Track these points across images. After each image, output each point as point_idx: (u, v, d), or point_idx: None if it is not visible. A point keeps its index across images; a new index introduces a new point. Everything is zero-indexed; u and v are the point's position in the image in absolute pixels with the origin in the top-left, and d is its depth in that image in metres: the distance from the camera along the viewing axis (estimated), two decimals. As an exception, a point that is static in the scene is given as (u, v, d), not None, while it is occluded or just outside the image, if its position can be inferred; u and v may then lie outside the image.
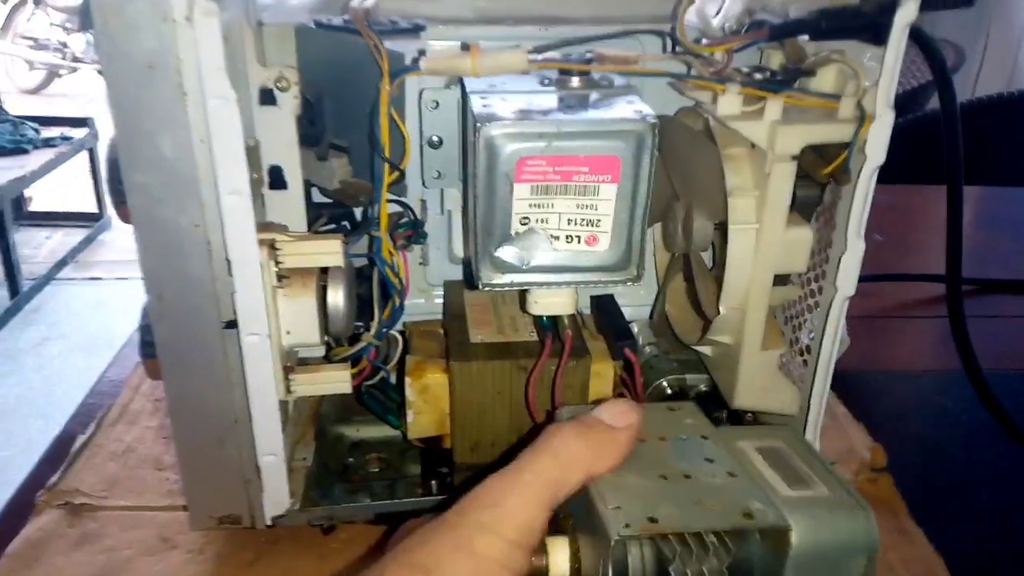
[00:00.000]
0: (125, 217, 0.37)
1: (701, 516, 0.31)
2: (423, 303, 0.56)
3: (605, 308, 0.51)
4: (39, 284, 2.59)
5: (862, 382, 0.62)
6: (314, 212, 0.48)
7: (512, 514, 0.30)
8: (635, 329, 0.56)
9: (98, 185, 2.85)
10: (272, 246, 0.40)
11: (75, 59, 4.14)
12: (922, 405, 0.62)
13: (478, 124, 0.37)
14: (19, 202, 2.73)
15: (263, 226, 0.41)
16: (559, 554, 0.32)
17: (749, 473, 0.33)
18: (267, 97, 0.43)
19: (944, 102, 0.54)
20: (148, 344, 0.40)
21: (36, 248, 2.81)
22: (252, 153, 0.43)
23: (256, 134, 0.44)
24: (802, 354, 0.46)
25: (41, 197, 2.95)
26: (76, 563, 0.44)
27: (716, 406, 0.50)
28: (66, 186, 2.94)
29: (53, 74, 4.19)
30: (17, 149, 2.53)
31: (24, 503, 0.48)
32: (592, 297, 0.53)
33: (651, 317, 0.55)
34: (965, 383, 0.58)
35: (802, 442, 0.35)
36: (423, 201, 0.52)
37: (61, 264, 2.74)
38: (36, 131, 2.65)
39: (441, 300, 0.55)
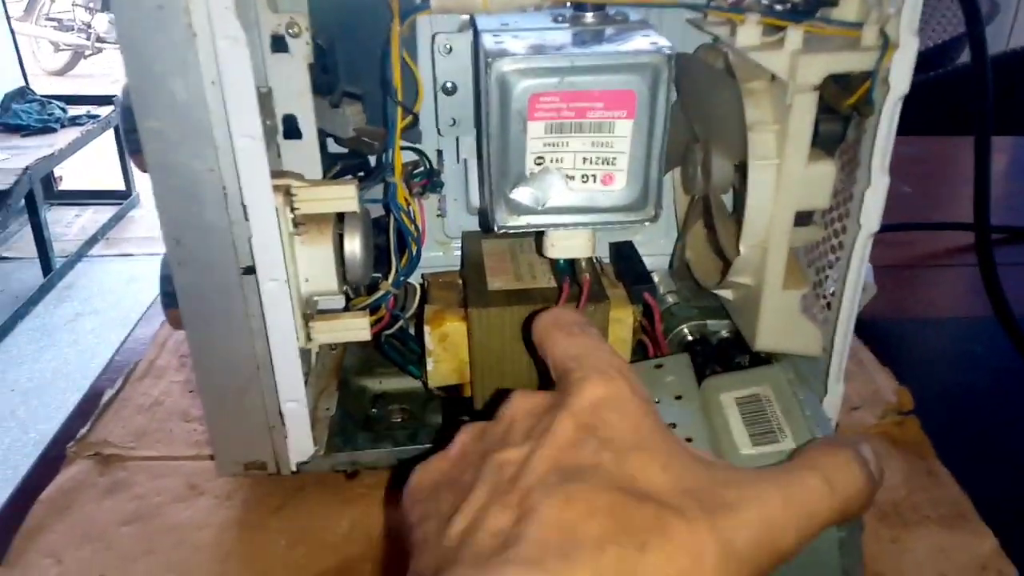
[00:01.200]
0: (141, 165, 0.37)
1: None
2: (442, 255, 0.56)
3: (624, 254, 0.50)
4: (71, 261, 2.65)
5: (889, 329, 0.61)
6: (329, 161, 0.48)
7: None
8: (656, 278, 0.55)
9: (125, 162, 2.89)
10: (287, 192, 0.40)
11: (99, 39, 4.18)
12: (951, 351, 0.61)
13: (489, 60, 0.37)
14: (49, 181, 2.78)
15: (278, 173, 0.41)
16: None
17: (711, 435, 0.32)
18: (279, 44, 0.43)
19: (974, 45, 0.53)
20: (169, 294, 0.41)
21: (67, 226, 2.86)
22: (264, 100, 0.43)
23: (268, 82, 0.44)
24: (826, 297, 0.46)
25: (70, 176, 3.00)
26: (106, 510, 0.45)
27: (739, 351, 0.50)
28: (94, 164, 2.99)
29: (79, 55, 4.24)
30: (45, 128, 2.57)
31: (56, 455, 0.49)
32: (611, 244, 0.52)
33: (671, 265, 0.55)
34: (995, 329, 0.56)
35: (790, 384, 0.34)
36: (439, 151, 0.52)
37: (92, 241, 2.79)
38: (63, 110, 2.69)
39: (459, 253, 0.55)
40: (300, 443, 0.45)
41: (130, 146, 0.38)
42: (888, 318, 0.62)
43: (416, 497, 0.30)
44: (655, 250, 0.56)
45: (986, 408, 0.54)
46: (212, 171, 0.37)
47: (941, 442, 0.49)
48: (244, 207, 0.38)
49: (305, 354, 0.51)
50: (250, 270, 0.39)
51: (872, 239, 0.41)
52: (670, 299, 0.54)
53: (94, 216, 2.93)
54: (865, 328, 0.60)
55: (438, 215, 0.55)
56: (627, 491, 0.25)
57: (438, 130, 0.48)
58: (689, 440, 0.32)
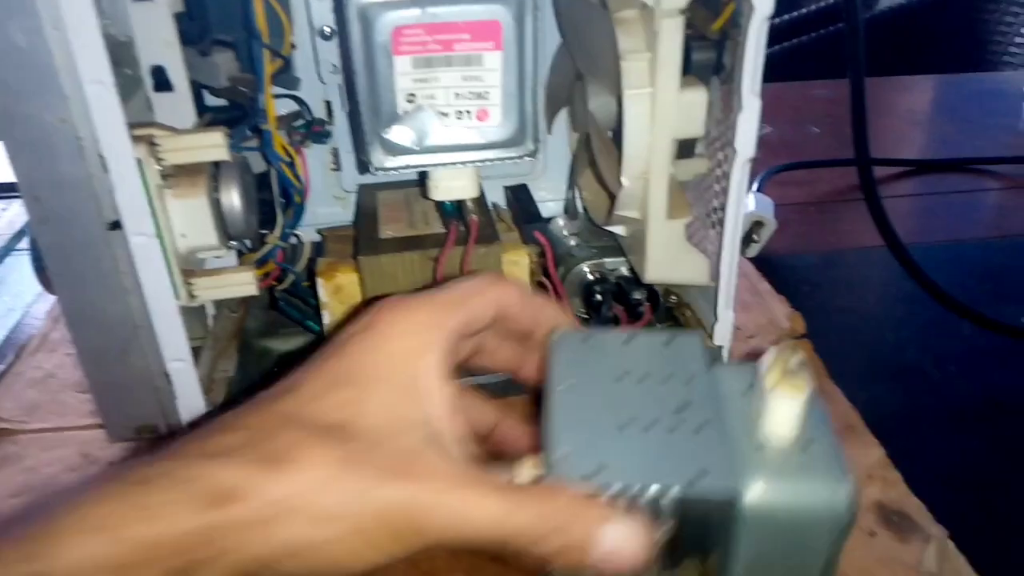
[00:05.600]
0: None
1: (645, 472, 0.29)
2: (340, 211, 0.55)
3: (518, 197, 0.50)
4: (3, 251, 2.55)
5: (789, 263, 0.62)
6: (210, 116, 0.46)
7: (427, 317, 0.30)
8: (561, 222, 0.55)
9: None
10: (151, 142, 0.39)
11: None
12: (846, 280, 0.63)
13: (347, -7, 0.36)
14: (-31, 174, 2.66)
15: (142, 124, 0.40)
16: (526, 469, 0.30)
17: (723, 424, 0.31)
18: (140, -9, 0.41)
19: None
20: (39, 258, 0.39)
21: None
22: (124, 49, 0.41)
23: (132, 31, 0.42)
24: (715, 227, 0.46)
25: (-7, 168, 2.88)
26: (-5, 484, 0.44)
27: (637, 288, 0.50)
28: (17, 155, 2.87)
29: None
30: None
31: (-56, 435, 0.48)
32: (506, 188, 0.52)
33: (565, 208, 0.54)
34: (890, 258, 0.58)
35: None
36: (327, 102, 0.51)
37: (20, 235, 2.69)
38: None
39: (358, 206, 0.54)
40: (191, 403, 0.44)
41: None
42: (791, 252, 0.63)
43: None
44: (559, 195, 0.56)
45: (876, 330, 0.56)
46: (64, 122, 0.36)
47: (835, 362, 0.50)
48: (102, 158, 0.37)
49: (198, 313, 0.50)
50: (116, 225, 0.38)
51: (750, 164, 0.42)
52: (572, 242, 0.54)
53: (21, 209, 2.83)
54: (764, 262, 0.61)
55: (333, 169, 0.54)
56: (295, 417, 0.27)
57: (319, 77, 0.47)
58: (700, 429, 0.31)
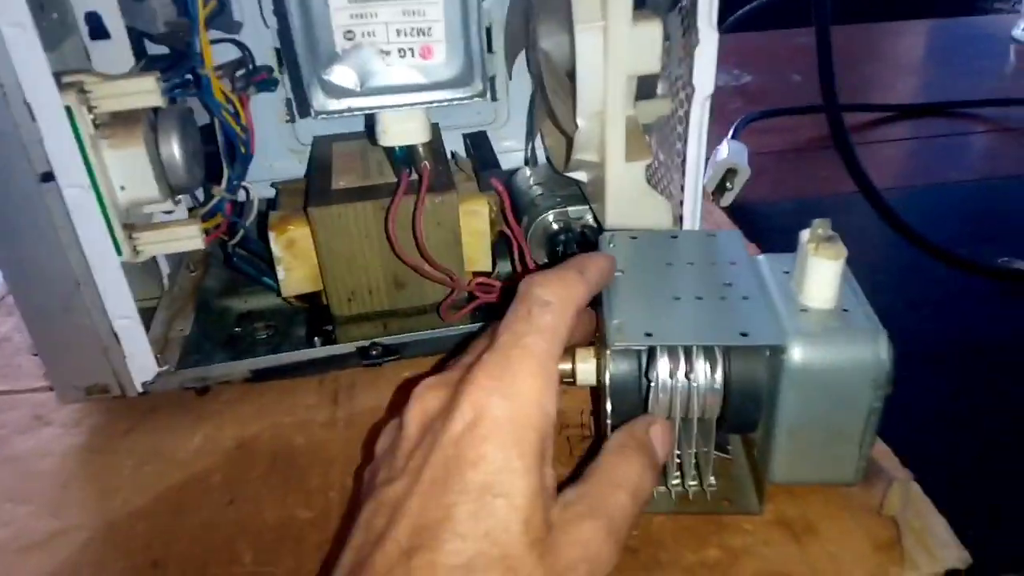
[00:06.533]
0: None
1: (696, 333, 0.33)
2: (296, 164, 0.54)
3: (477, 144, 0.49)
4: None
5: (764, 211, 0.61)
6: (150, 64, 0.45)
7: (525, 388, 0.28)
8: (527, 173, 0.54)
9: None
10: (81, 89, 0.37)
11: None
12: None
13: (273, -77, 0.34)
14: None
15: (72, 72, 0.38)
16: (585, 363, 0.35)
17: (768, 297, 0.35)
18: (65, -69, 0.39)
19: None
20: (-25, 213, 0.38)
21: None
22: (50, -9, 0.39)
23: (60, -25, 0.40)
24: (680, 170, 0.44)
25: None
26: (-56, 449, 0.43)
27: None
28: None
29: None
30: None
31: None
32: (464, 136, 0.50)
33: (525, 159, 0.53)
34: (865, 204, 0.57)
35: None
36: (277, 49, 0.49)
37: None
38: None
39: (314, 159, 0.52)
40: (142, 362, 0.43)
41: None
42: (766, 200, 0.62)
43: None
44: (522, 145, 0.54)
45: (857, 272, 0.54)
46: (-18, 67, 0.34)
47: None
48: (28, 106, 0.35)
49: (151, 271, 0.49)
50: (48, 176, 0.37)
51: (710, 101, 0.40)
52: (536, 191, 0.53)
53: None
54: (741, 210, 0.60)
55: (287, 121, 0.52)
56: (473, 564, 0.25)
57: (263, 21, 0.45)
58: (745, 298, 0.35)
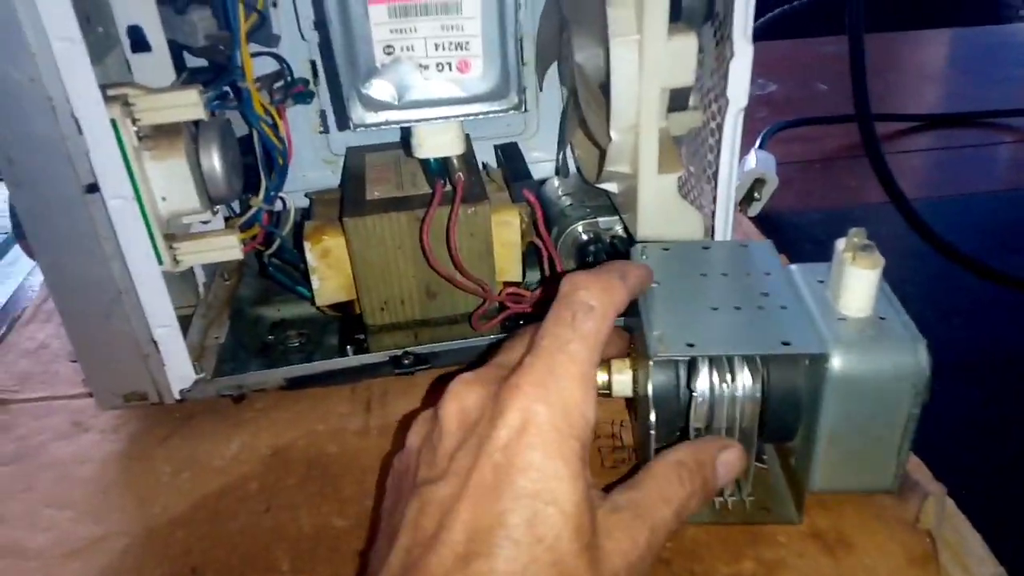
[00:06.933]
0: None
1: (736, 343, 0.33)
2: (330, 175, 0.55)
3: (508, 155, 0.49)
4: (10, 239, 2.57)
5: (792, 221, 0.61)
6: (187, 75, 0.45)
7: (568, 396, 0.28)
8: (556, 183, 0.54)
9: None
10: (125, 102, 0.38)
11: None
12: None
13: (317, -60, 0.34)
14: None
15: (117, 84, 0.39)
16: (621, 374, 0.35)
17: (805, 306, 0.35)
18: (112, -52, 0.40)
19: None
20: (18, 224, 0.39)
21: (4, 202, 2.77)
22: (97, 7, 0.40)
23: (105, -11, 0.41)
24: (710, 182, 0.45)
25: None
26: (-13, 453, 0.44)
27: (632, 247, 0.49)
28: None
29: None
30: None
31: (-61, 406, 0.48)
32: (496, 147, 0.51)
33: (556, 169, 0.53)
34: (897, 214, 0.56)
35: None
36: (312, 62, 0.50)
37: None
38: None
39: (348, 169, 0.53)
40: (180, 370, 0.43)
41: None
42: (794, 210, 0.62)
43: (388, 483, 0.33)
44: (553, 155, 0.55)
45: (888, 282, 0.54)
46: (33, 81, 0.35)
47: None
48: (75, 119, 0.36)
49: (188, 280, 0.50)
50: (93, 188, 0.37)
51: (743, 114, 0.40)
52: (566, 201, 0.53)
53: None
54: (769, 220, 0.60)
55: (320, 132, 0.53)
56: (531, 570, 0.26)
57: (301, 34, 0.46)
58: (784, 308, 0.35)
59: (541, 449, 0.27)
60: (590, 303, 0.30)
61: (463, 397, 0.30)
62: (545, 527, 0.26)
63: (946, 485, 0.38)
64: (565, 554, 0.26)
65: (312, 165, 0.54)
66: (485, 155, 0.53)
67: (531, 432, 0.27)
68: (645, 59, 0.39)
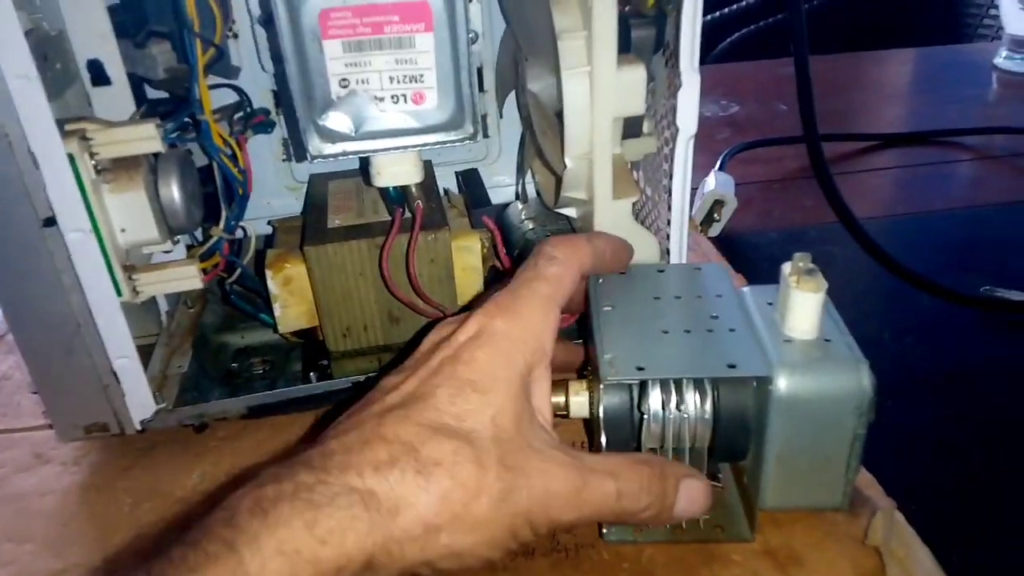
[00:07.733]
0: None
1: (685, 366, 0.34)
2: (294, 202, 0.55)
3: (468, 181, 0.50)
4: None
5: (751, 240, 0.62)
6: (151, 109, 0.46)
7: (527, 318, 0.32)
8: (519, 207, 0.55)
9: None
10: (83, 136, 0.38)
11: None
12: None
13: (270, -22, 0.35)
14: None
15: (75, 119, 0.39)
16: (578, 395, 0.36)
17: (753, 328, 0.36)
18: (71, -17, 0.40)
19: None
20: (-22, 256, 0.39)
21: None
22: (55, 43, 0.41)
23: (64, 24, 0.41)
24: (669, 208, 0.46)
25: None
26: (-55, 488, 0.43)
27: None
28: None
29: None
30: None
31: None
32: (457, 174, 0.52)
33: (516, 194, 0.54)
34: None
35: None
36: (274, 91, 0.50)
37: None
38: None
39: (311, 197, 0.53)
40: (141, 400, 0.43)
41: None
42: (753, 230, 0.63)
43: None
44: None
45: (835, 304, 0.55)
46: (-12, 118, 0.35)
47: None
48: (32, 154, 0.36)
49: (150, 309, 0.50)
50: (51, 221, 0.38)
51: (693, 140, 0.41)
52: (528, 226, 0.54)
53: None
54: (728, 241, 0.61)
55: (283, 160, 0.54)
56: (439, 427, 0.29)
57: (261, 66, 0.47)
58: (732, 331, 0.36)
59: (488, 348, 0.30)
60: (554, 254, 0.34)
61: (440, 330, 0.34)
62: (467, 406, 0.29)
63: (898, 501, 0.39)
64: (478, 434, 0.29)
65: (276, 192, 0.54)
66: (447, 181, 0.54)
67: (483, 337, 0.31)
68: (596, 90, 0.40)
